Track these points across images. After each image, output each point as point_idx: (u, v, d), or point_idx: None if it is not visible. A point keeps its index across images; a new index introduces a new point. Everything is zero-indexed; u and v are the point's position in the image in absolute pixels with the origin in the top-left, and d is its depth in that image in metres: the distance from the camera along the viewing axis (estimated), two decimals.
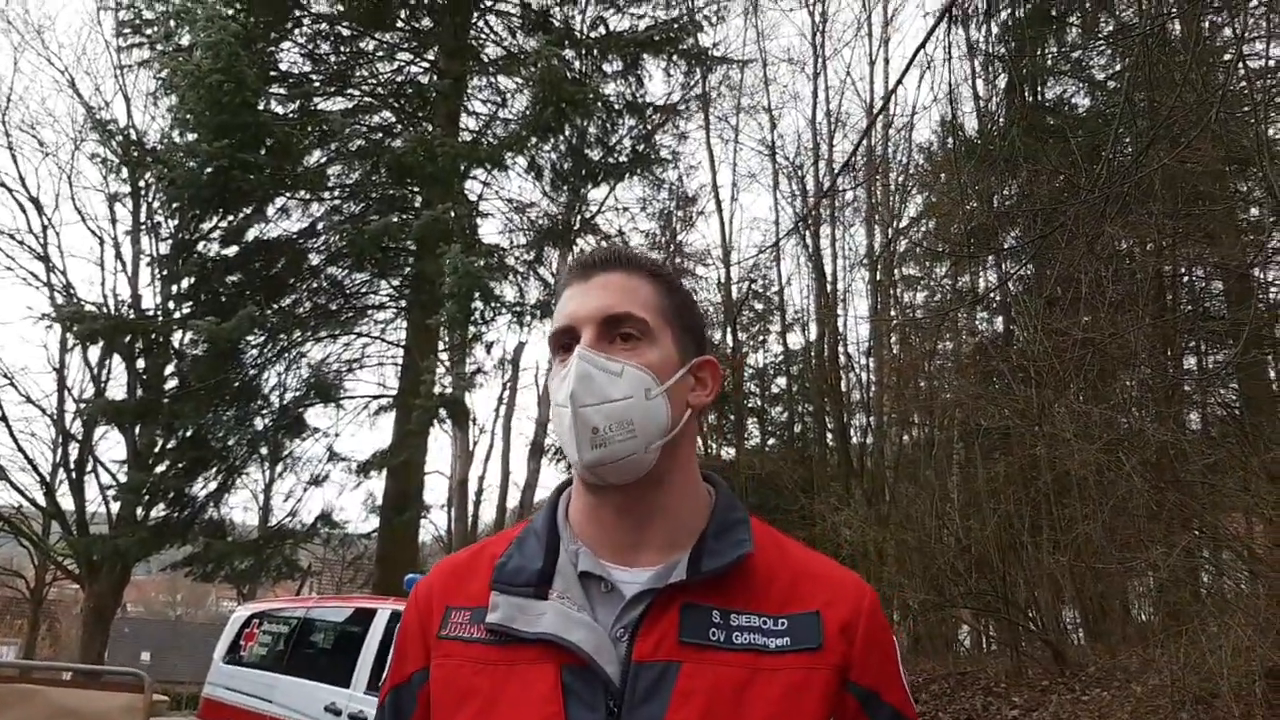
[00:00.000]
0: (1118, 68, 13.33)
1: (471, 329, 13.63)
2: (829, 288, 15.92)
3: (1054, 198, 9.21)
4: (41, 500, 16.60)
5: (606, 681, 1.06)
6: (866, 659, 1.12)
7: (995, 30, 14.37)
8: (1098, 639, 10.08)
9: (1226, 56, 8.87)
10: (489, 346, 14.35)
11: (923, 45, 8.08)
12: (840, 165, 14.81)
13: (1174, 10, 8.06)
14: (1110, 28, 13.19)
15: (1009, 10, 13.63)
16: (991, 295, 11.62)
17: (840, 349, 15.56)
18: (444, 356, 14.07)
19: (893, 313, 14.84)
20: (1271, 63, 8.89)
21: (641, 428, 1.12)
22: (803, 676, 1.07)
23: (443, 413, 13.24)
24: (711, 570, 1.11)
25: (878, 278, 15.36)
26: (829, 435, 14.61)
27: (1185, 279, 12.43)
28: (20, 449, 16.58)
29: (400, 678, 1.19)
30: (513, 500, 17.13)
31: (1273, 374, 11.21)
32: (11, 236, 17.36)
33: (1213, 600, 8.13)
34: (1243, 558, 7.94)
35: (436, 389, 13.09)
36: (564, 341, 1.18)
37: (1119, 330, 9.32)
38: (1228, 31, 9.05)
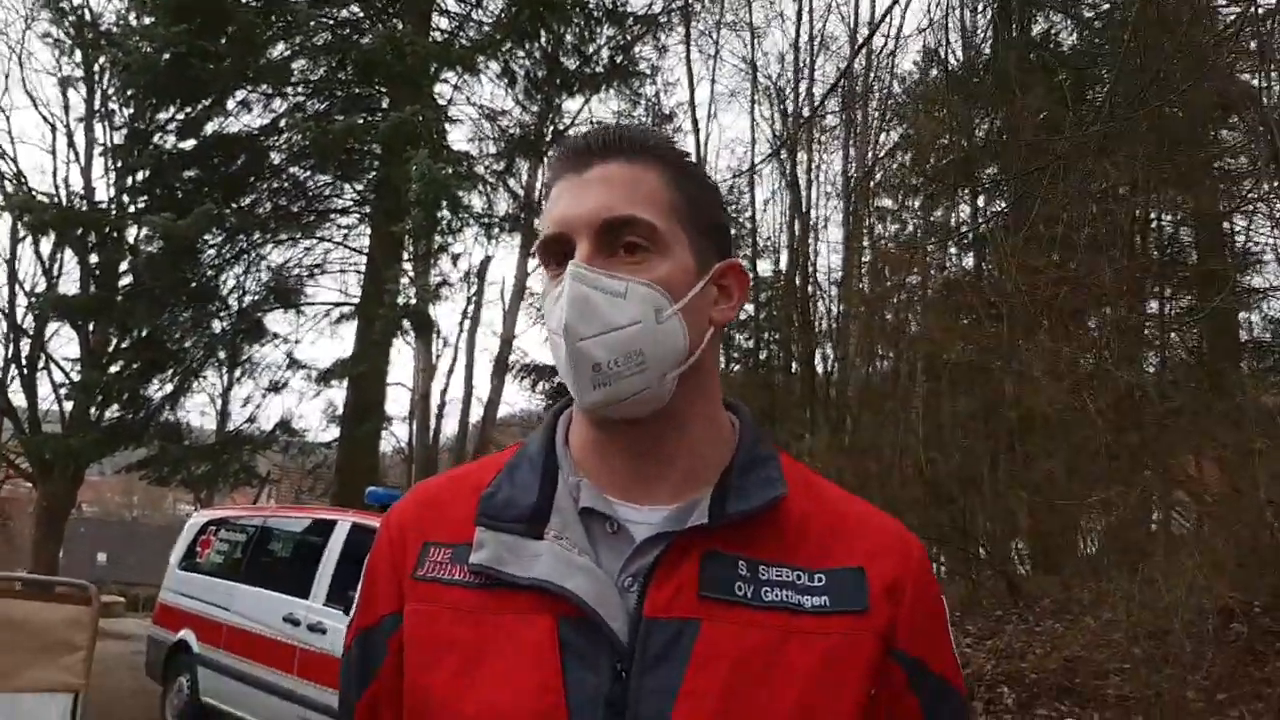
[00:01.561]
0: (1105, 6, 13.18)
1: (437, 239, 13.37)
2: (803, 215, 15.78)
3: (1044, 132, 9.08)
4: None
5: (612, 638, 0.90)
6: (914, 623, 0.97)
7: None
8: (1047, 572, 10.33)
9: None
10: (455, 258, 14.13)
11: None
12: (823, 92, 14.57)
13: None
14: None
15: None
16: (978, 226, 11.55)
17: (811, 278, 15.52)
18: (408, 266, 13.79)
19: (865, 244, 14.77)
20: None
21: (653, 357, 0.94)
22: (844, 643, 0.92)
23: (406, 324, 13.06)
24: (739, 513, 0.95)
25: (853, 208, 15.25)
26: (794, 364, 14.64)
27: (1154, 225, 12.46)
28: None
29: (368, 620, 1.02)
30: (475, 415, 17.09)
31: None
32: None
33: (1167, 539, 8.32)
34: (1199, 499, 8.10)
35: (400, 299, 12.87)
36: (554, 251, 0.98)
37: (1094, 270, 9.35)
38: None
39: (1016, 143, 9.78)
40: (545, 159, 15.12)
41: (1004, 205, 10.08)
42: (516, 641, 0.91)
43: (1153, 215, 11.92)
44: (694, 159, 1.06)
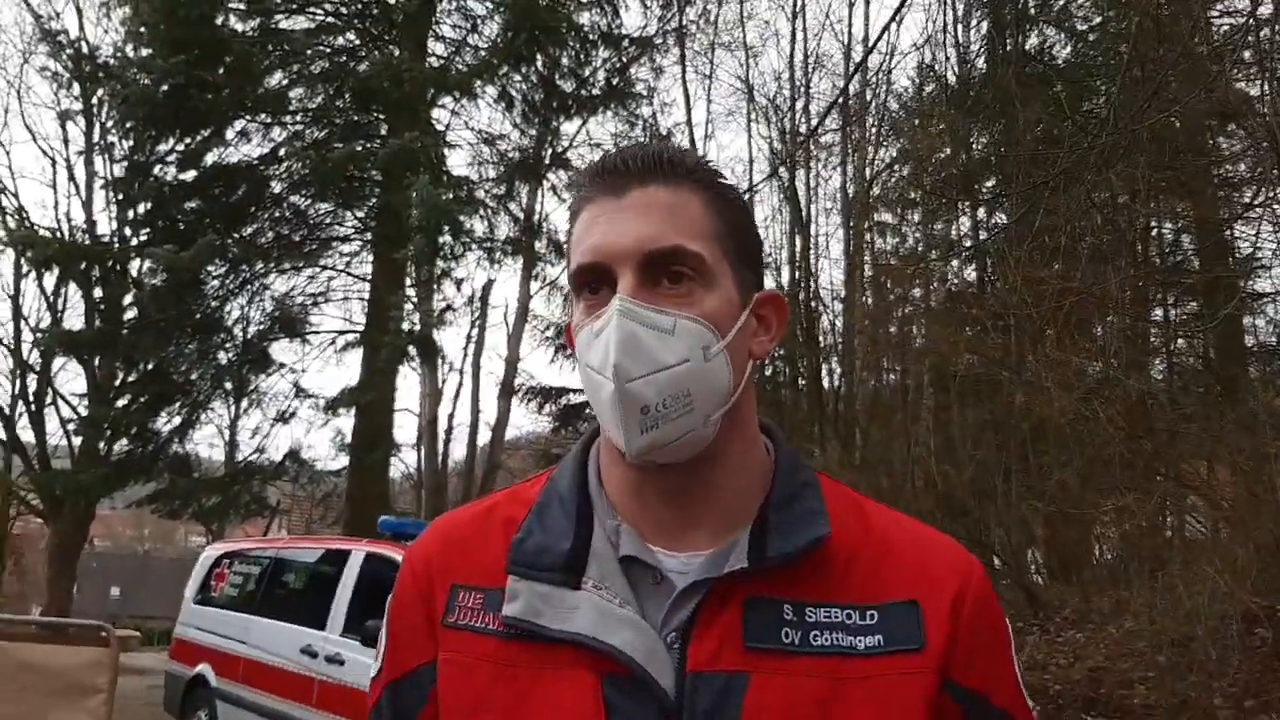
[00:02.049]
0: (1098, 20, 13.28)
1: (440, 264, 13.38)
2: (804, 231, 15.82)
3: (1044, 144, 9.12)
4: (1, 434, 16.05)
5: (660, 697, 0.85)
6: (974, 654, 0.90)
7: None
8: (1064, 582, 10.29)
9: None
10: (458, 283, 14.12)
11: (902, 3, 7.95)
12: (821, 111, 14.64)
13: None
14: None
15: None
16: (984, 239, 11.57)
17: (814, 293, 15.54)
18: (412, 292, 13.78)
19: (867, 259, 14.80)
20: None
21: (700, 397, 0.89)
22: (902, 685, 0.87)
23: (411, 350, 13.04)
24: (779, 555, 0.89)
25: (851, 224, 15.29)
26: (800, 380, 14.63)
27: (1155, 233, 12.49)
28: None
29: (400, 670, 0.96)
30: (483, 439, 17.03)
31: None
32: None
33: (1185, 545, 8.29)
34: (1216, 505, 8.08)
35: (405, 325, 12.87)
36: (590, 281, 0.92)
37: (1099, 279, 9.36)
38: None
39: (1017, 155, 9.80)
40: (545, 181, 15.17)
41: (1007, 217, 10.09)
42: (556, 701, 0.87)
43: (1153, 224, 11.95)
44: (729, 180, 1.00)
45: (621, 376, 0.87)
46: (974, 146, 13.39)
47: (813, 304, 14.17)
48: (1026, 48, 13.85)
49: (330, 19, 14.86)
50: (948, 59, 14.23)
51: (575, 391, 14.39)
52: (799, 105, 16.70)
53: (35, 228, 13.87)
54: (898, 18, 14.20)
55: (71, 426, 14.12)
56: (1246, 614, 6.65)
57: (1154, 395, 8.70)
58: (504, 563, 0.93)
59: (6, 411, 15.78)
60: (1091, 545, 10.27)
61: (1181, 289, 11.49)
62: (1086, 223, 9.17)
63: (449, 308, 13.71)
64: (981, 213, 13.81)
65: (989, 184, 13.62)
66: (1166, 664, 6.79)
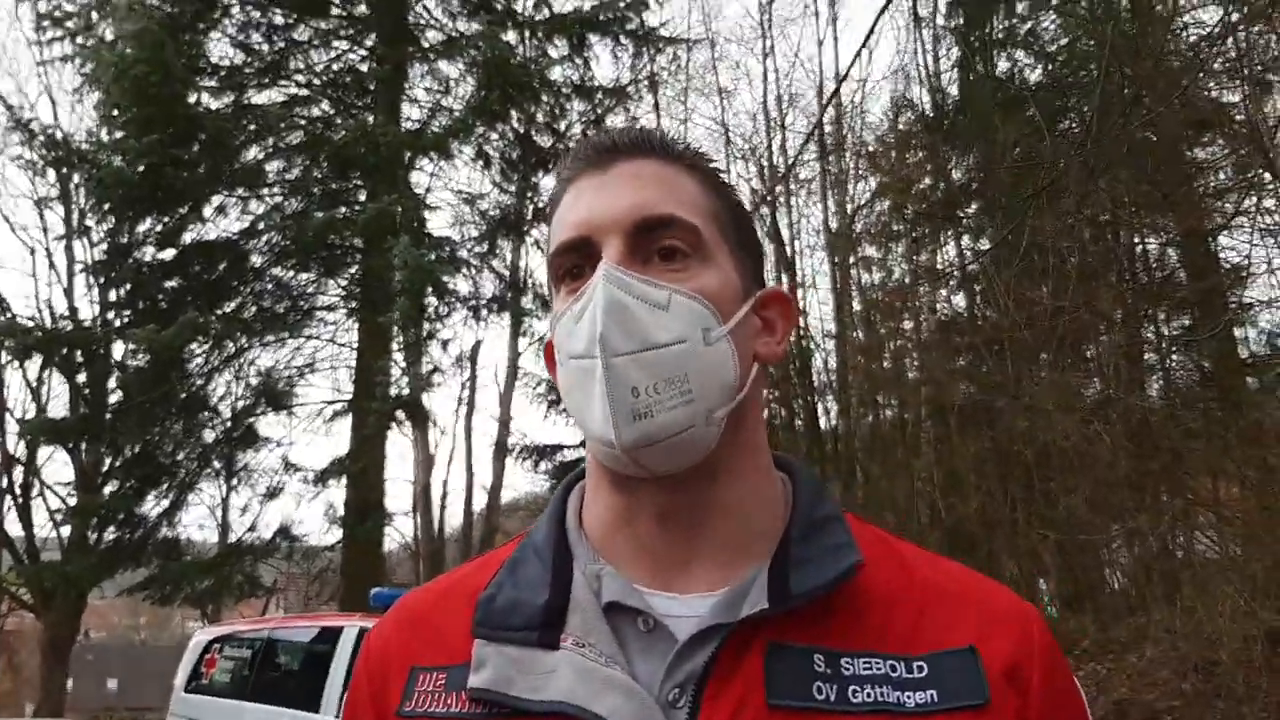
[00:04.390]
0: (1064, 41, 13.39)
1: (426, 326, 13.30)
2: (790, 269, 15.77)
3: (1024, 163, 9.08)
4: None
5: None
6: (1049, 717, 0.76)
7: (945, 3, 14.37)
8: (1076, 611, 10.05)
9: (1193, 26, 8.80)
10: (445, 344, 13.99)
11: (869, 35, 7.99)
12: (796, 147, 14.69)
13: None
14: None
15: None
16: (972, 262, 11.50)
17: (804, 331, 15.43)
18: (398, 356, 13.66)
19: (854, 291, 14.75)
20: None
21: (700, 387, 0.77)
22: None
23: (400, 415, 12.92)
24: (806, 592, 0.75)
25: (836, 259, 15.24)
26: (796, 420, 14.47)
27: (1140, 248, 12.45)
28: None
29: None
30: (479, 503, 16.78)
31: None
32: None
33: (1202, 566, 8.07)
34: (1230, 522, 7.89)
35: (393, 390, 12.72)
36: (572, 264, 0.81)
37: (1090, 297, 9.27)
38: None
39: (998, 175, 9.77)
40: (528, 236, 15.14)
41: (992, 239, 10.03)
42: None
43: (1138, 239, 11.90)
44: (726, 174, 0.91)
45: (607, 349, 0.75)
46: (953, 172, 13.41)
47: (804, 342, 14.06)
48: (998, 73, 13.95)
49: (304, 90, 14.94)
50: (922, 84, 14.30)
51: (570, 447, 14.21)
52: (775, 143, 16.76)
53: (16, 318, 13.77)
54: (866, 46, 14.26)
55: (59, 517, 13.93)
56: (1270, 633, 6.45)
57: (1155, 412, 8.56)
58: (470, 634, 0.78)
59: None
60: (1104, 572, 10.04)
61: (1174, 303, 11.40)
62: (1073, 240, 9.11)
63: (436, 370, 13.59)
64: (966, 239, 13.81)
65: (972, 209, 13.64)
66: (1193, 692, 6.58)
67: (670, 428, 0.75)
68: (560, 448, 14.52)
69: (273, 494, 13.71)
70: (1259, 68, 8.20)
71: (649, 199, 0.80)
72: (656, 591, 0.79)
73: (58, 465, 15.07)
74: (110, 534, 12.91)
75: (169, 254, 13.72)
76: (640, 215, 0.79)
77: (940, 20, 14.28)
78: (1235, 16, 7.45)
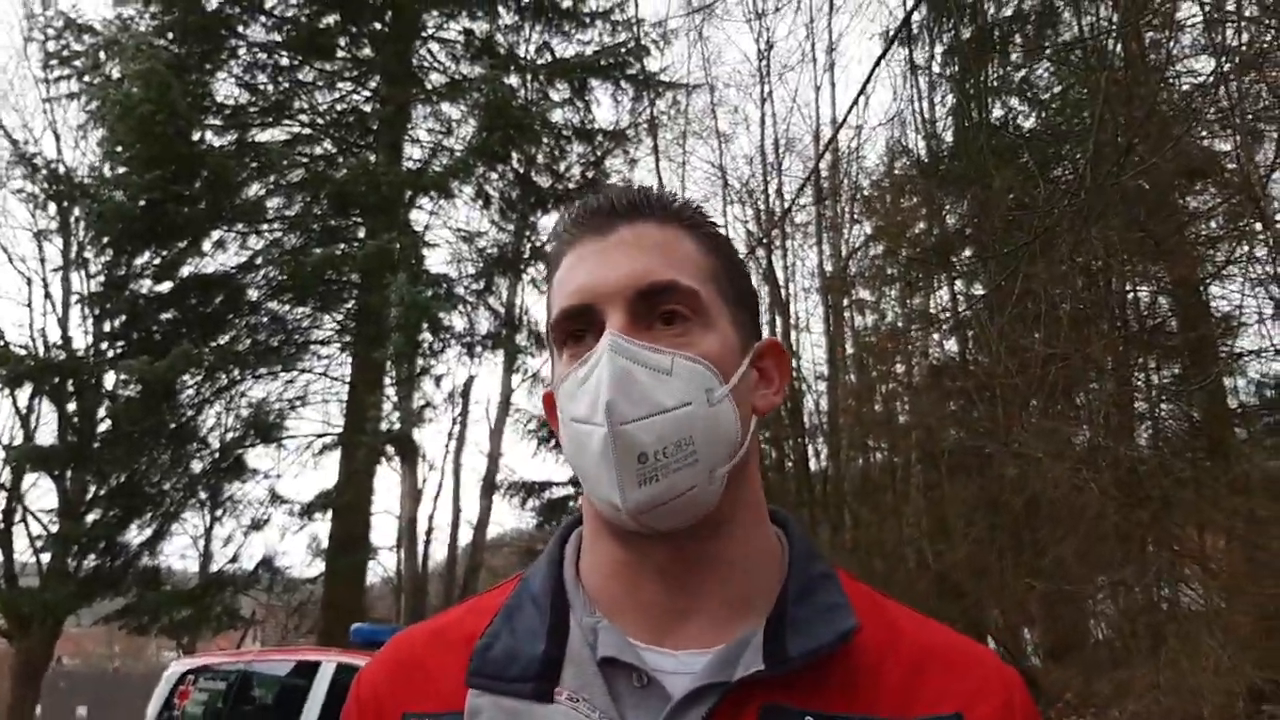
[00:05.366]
0: (1059, 88, 13.53)
1: (419, 361, 13.29)
2: (784, 311, 15.81)
3: (1018, 210, 9.13)
4: None
5: None
6: None
7: (939, 52, 14.55)
8: (1060, 662, 9.92)
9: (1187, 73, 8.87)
10: (438, 380, 13.98)
11: (867, 81, 8.06)
12: (793, 192, 14.80)
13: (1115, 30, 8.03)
14: (1050, 49, 13.35)
15: (952, 33, 13.78)
16: (964, 309, 11.52)
17: (797, 373, 15.44)
18: (391, 391, 13.66)
19: (848, 336, 14.77)
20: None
21: (705, 446, 0.79)
22: None
23: (390, 450, 12.86)
24: (803, 655, 0.77)
25: (830, 302, 15.30)
26: (787, 462, 14.42)
27: (1132, 296, 12.47)
28: None
29: None
30: (464, 539, 16.63)
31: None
32: None
33: (1187, 619, 7.98)
34: (1215, 575, 7.81)
35: (383, 425, 12.70)
36: (575, 329, 0.83)
37: (1082, 345, 9.25)
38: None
39: (992, 222, 9.81)
40: (524, 275, 15.20)
41: (986, 285, 10.04)
42: None
43: (1129, 287, 11.93)
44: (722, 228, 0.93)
45: (616, 417, 0.76)
46: (947, 218, 13.48)
47: (797, 384, 14.05)
48: (992, 120, 14.09)
49: (307, 129, 15.11)
50: (917, 131, 14.43)
51: (559, 484, 14.14)
52: (772, 186, 16.90)
53: (8, 345, 13.78)
54: (864, 93, 14.42)
55: (39, 543, 13.81)
56: (1251, 688, 6.35)
57: (1144, 461, 8.51)
58: (464, 680, 0.79)
59: None
60: (1089, 623, 9.92)
61: (1164, 351, 11.39)
62: (1066, 288, 9.11)
63: (428, 405, 13.59)
64: (960, 284, 13.86)
65: (965, 254, 13.70)
66: None
67: (675, 489, 0.77)
68: (549, 485, 14.47)
69: (257, 525, 13.65)
70: (1250, 117, 8.27)
71: (650, 266, 0.82)
72: (651, 646, 0.80)
73: (42, 492, 14.98)
74: (90, 561, 12.81)
75: (165, 286, 13.79)
76: (643, 283, 0.81)
77: (936, 68, 14.47)
78: (1228, 66, 7.53)
